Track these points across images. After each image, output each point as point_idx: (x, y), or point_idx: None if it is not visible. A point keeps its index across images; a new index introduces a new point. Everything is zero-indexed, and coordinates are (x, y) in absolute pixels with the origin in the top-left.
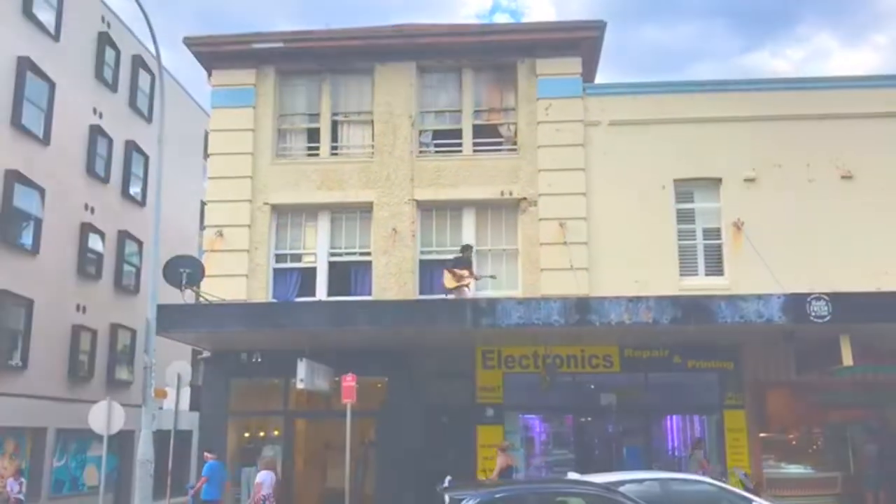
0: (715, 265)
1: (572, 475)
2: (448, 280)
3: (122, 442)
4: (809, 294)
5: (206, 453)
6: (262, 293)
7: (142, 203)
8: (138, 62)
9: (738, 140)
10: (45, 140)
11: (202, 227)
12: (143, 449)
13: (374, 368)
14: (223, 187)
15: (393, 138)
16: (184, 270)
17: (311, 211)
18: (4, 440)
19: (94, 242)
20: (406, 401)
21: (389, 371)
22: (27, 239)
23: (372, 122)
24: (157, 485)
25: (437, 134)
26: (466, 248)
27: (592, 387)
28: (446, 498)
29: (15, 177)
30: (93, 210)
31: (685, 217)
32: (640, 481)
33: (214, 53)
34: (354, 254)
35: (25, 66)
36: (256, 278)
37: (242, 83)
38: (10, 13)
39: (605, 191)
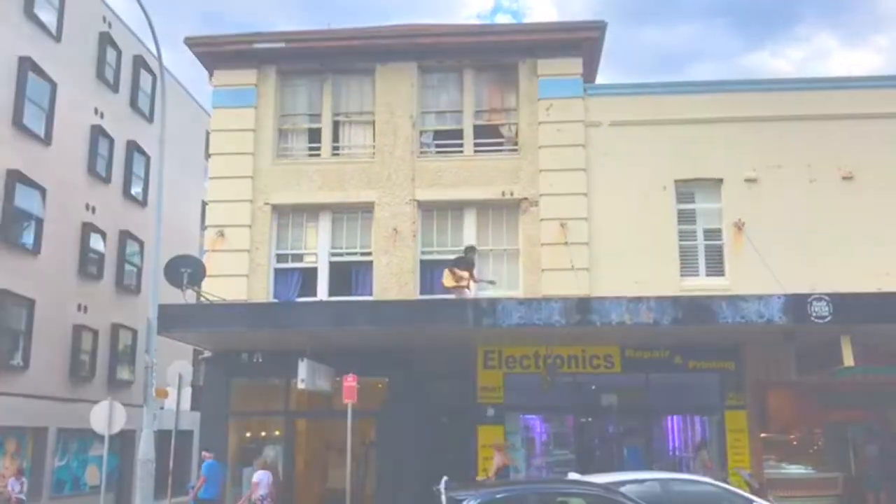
0: (716, 265)
1: (573, 475)
2: (447, 279)
3: (124, 442)
4: (810, 294)
5: (204, 453)
6: (263, 293)
7: (143, 203)
8: (139, 62)
9: (738, 140)
10: (47, 140)
11: (203, 227)
12: (145, 449)
13: (374, 369)
14: (224, 187)
15: (394, 138)
16: (185, 270)
17: (312, 211)
18: (6, 440)
19: (96, 242)
20: (407, 401)
21: (390, 371)
22: (28, 239)
23: (373, 122)
24: (159, 484)
25: (438, 134)
26: (470, 250)
27: (593, 387)
28: (444, 498)
29: (16, 176)
30: (94, 210)
31: (686, 217)
32: (641, 482)
33: (215, 53)
34: (355, 254)
35: (27, 66)
36: (257, 278)
37: (243, 83)
38: (12, 13)
39: (606, 191)
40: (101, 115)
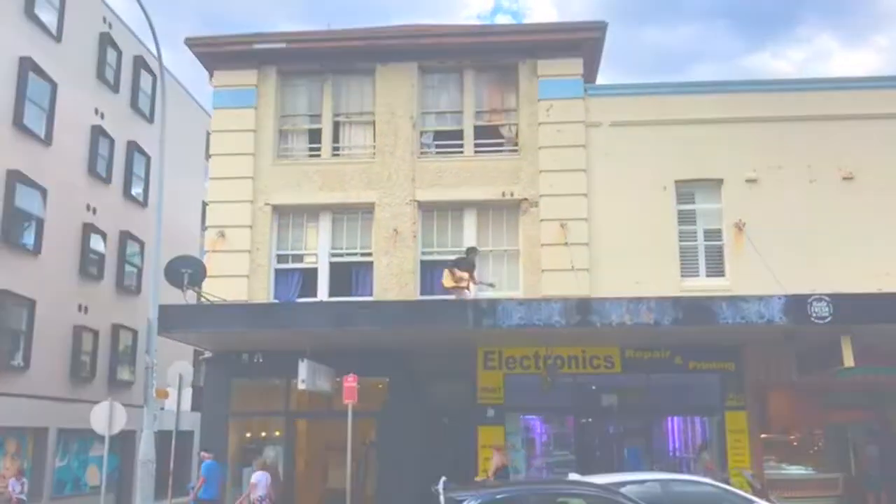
0: (716, 266)
1: (573, 476)
2: (447, 279)
3: (124, 442)
4: (810, 295)
5: (202, 453)
6: (264, 294)
7: (143, 203)
8: (140, 63)
9: (739, 141)
10: (47, 140)
11: (204, 228)
12: (145, 449)
13: (375, 369)
14: (225, 188)
15: (394, 139)
16: (185, 271)
17: (312, 211)
18: (6, 440)
19: (96, 243)
20: (407, 401)
21: (390, 372)
22: (29, 239)
23: (373, 122)
24: (159, 485)
25: (439, 135)
26: (471, 251)
27: (593, 388)
28: (442, 499)
29: (17, 177)
30: (94, 210)
31: (686, 218)
32: (642, 482)
33: (216, 54)
34: (356, 254)
35: (27, 66)
36: (258, 279)
37: (244, 84)
38: (12, 14)
39: (606, 192)
40: (102, 116)
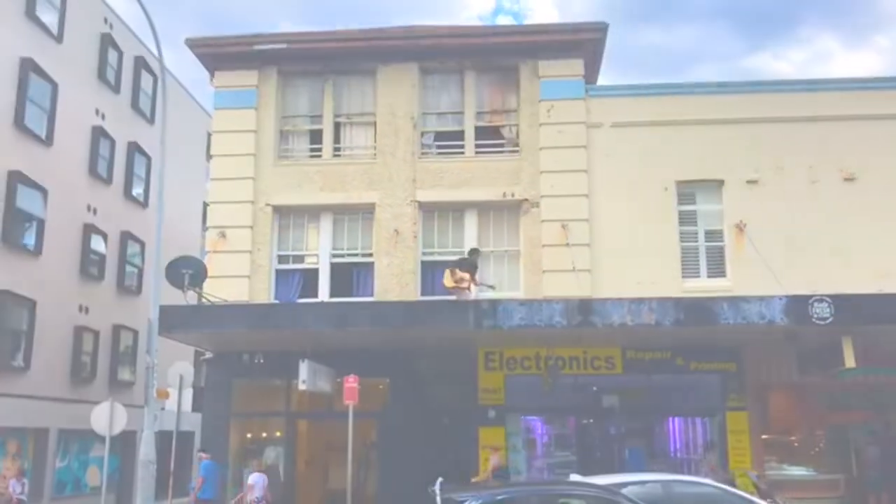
0: (717, 267)
1: (574, 477)
2: (447, 279)
3: (125, 443)
4: (811, 296)
5: (200, 454)
6: (265, 294)
7: (144, 204)
8: (141, 63)
9: (740, 142)
10: (48, 141)
11: (204, 228)
12: (146, 450)
13: (375, 370)
14: (225, 188)
15: (395, 140)
16: (186, 271)
17: (313, 212)
18: (7, 441)
19: (97, 243)
20: (408, 402)
21: (391, 372)
22: (30, 240)
23: (374, 123)
24: (159, 486)
25: (440, 135)
26: (473, 252)
27: (595, 388)
28: (439, 499)
29: (18, 177)
30: (95, 211)
31: (687, 219)
32: (643, 483)
33: (217, 55)
34: (356, 255)
35: (28, 67)
36: (258, 279)
37: (245, 84)
38: (13, 14)
39: (607, 192)
40: (103, 116)
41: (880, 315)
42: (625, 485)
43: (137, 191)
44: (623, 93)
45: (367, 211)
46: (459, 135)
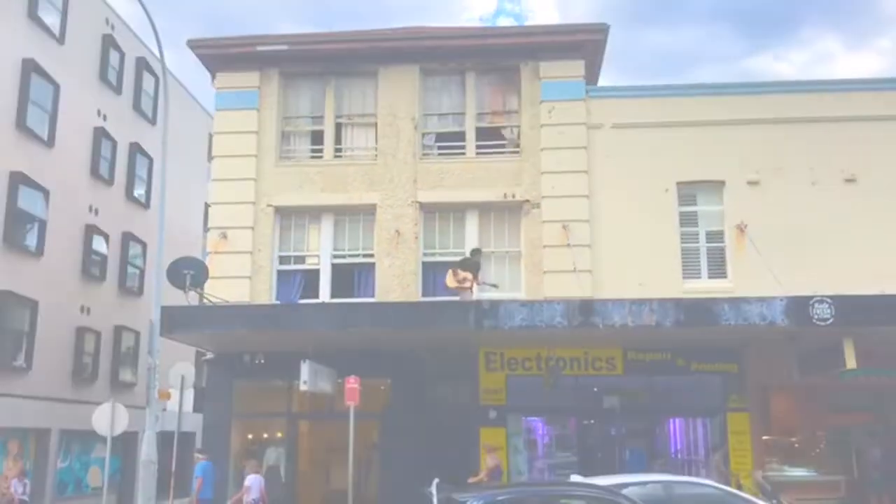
0: (718, 268)
1: (575, 477)
2: (449, 279)
3: (126, 443)
4: (812, 297)
5: (196, 454)
6: (266, 295)
7: (146, 205)
8: (142, 64)
9: (741, 143)
10: (50, 142)
11: (206, 229)
12: (147, 450)
13: (377, 370)
14: (227, 189)
15: (396, 141)
16: (187, 272)
17: (314, 213)
18: (8, 441)
19: (99, 244)
20: (409, 403)
21: (392, 373)
22: (32, 240)
23: (375, 124)
24: (161, 486)
25: (441, 136)
26: (475, 252)
27: (595, 389)
28: (435, 500)
29: (20, 178)
30: (97, 212)
31: (688, 220)
32: (644, 484)
33: (218, 56)
34: (357, 256)
35: (30, 68)
36: (260, 280)
37: (246, 86)
38: (15, 16)
39: (608, 193)
40: (104, 117)
41: (881, 316)
42: (626, 485)
43: (139, 192)
44: (624, 94)
45: (368, 212)
46: (460, 136)
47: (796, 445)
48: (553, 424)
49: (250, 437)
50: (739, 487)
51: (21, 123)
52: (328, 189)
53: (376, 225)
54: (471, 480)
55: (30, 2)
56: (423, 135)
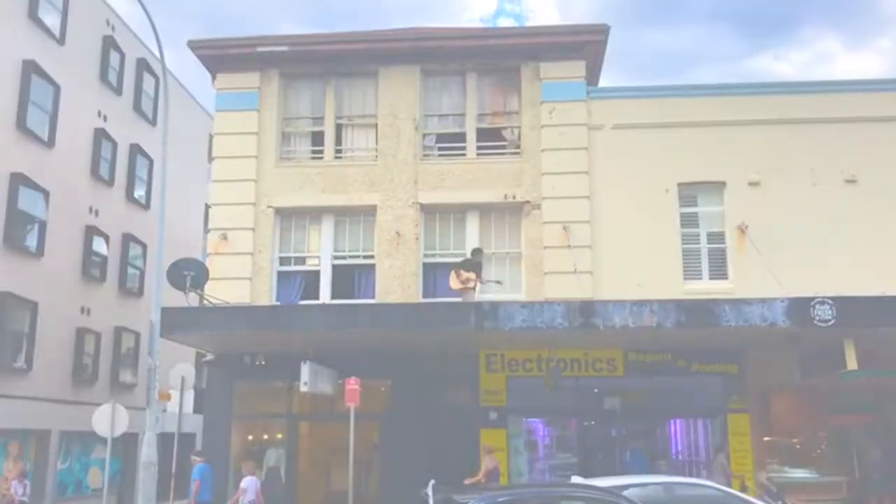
0: (719, 269)
1: (576, 479)
2: (453, 281)
3: (126, 444)
4: (813, 298)
5: (193, 457)
6: (266, 296)
7: (146, 206)
8: (143, 65)
9: (741, 144)
10: (50, 143)
11: (206, 230)
12: (147, 451)
13: (377, 371)
14: (227, 190)
15: (397, 141)
16: (188, 273)
17: (314, 214)
18: (9, 442)
19: (99, 245)
20: (409, 404)
21: (393, 374)
22: (32, 241)
23: (376, 125)
24: (161, 487)
25: (441, 137)
26: (476, 252)
27: (596, 390)
28: (431, 502)
29: (20, 179)
30: (97, 213)
31: (689, 220)
32: (644, 485)
33: (219, 57)
34: (358, 257)
35: (31, 69)
36: (260, 281)
37: (247, 86)
38: (16, 17)
39: (608, 194)
40: (105, 118)
41: (882, 317)
42: (626, 487)
43: (139, 192)
44: (625, 94)
45: (368, 213)
46: (461, 137)
47: (797, 446)
48: (553, 426)
49: (250, 438)
50: (744, 489)
51: (21, 124)
52: (328, 190)
53: (377, 226)
54: (468, 482)
55: (30, 3)
56: (424, 135)
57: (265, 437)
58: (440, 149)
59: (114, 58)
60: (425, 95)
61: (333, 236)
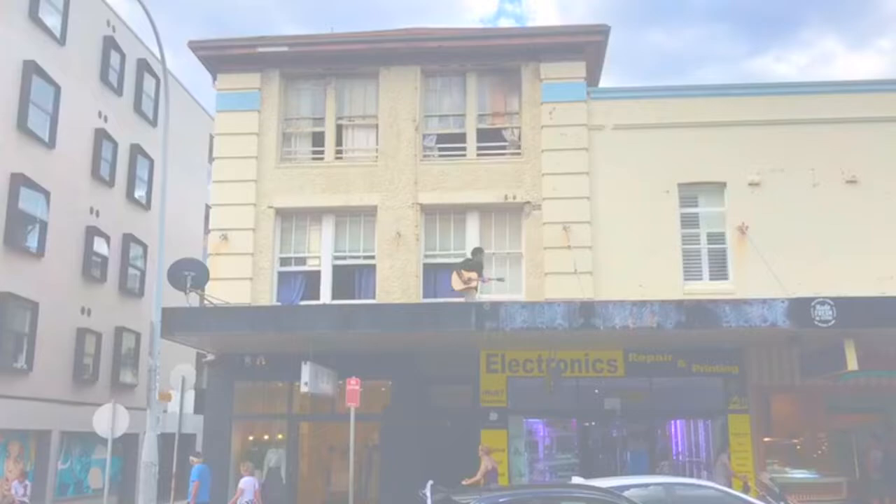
0: (719, 269)
1: (576, 479)
2: (455, 281)
3: (127, 445)
4: (814, 298)
5: (192, 458)
6: (267, 296)
7: (146, 206)
8: (143, 66)
9: (742, 144)
10: (51, 143)
11: (207, 231)
12: (148, 452)
13: (377, 372)
14: (228, 191)
15: (397, 142)
16: (188, 274)
17: (315, 214)
18: (9, 443)
19: (99, 245)
20: (410, 404)
21: (393, 374)
22: (33, 242)
23: (376, 125)
24: (161, 488)
25: (442, 138)
26: (477, 252)
27: (596, 391)
28: (429, 502)
29: (21, 180)
30: (98, 213)
31: (689, 221)
32: (645, 486)
33: (220, 57)
34: (358, 257)
35: (31, 69)
36: (261, 282)
37: (247, 87)
38: (17, 17)
39: (609, 195)
40: (105, 119)
41: (883, 318)
42: (627, 487)
43: (140, 193)
44: (625, 95)
45: (368, 213)
46: (461, 137)
47: (798, 447)
48: (554, 426)
49: (251, 438)
50: (747, 489)
51: (22, 125)
52: (329, 190)
53: (377, 226)
54: (466, 482)
55: (31, 3)
56: (424, 136)
57: (266, 437)
58: (440, 149)
59: (114, 58)
60: (426, 96)
61: (334, 237)
